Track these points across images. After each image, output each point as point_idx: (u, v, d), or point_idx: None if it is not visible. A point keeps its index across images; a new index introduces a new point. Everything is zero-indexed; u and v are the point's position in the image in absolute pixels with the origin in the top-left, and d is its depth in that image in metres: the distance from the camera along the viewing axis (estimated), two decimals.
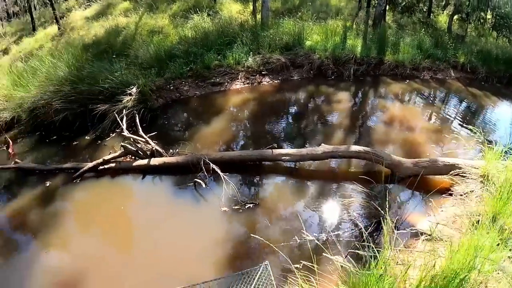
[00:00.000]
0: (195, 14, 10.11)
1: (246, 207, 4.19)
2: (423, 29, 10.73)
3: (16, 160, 5.83)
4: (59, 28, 12.04)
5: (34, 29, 13.14)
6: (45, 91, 6.65)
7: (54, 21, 12.56)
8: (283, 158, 4.84)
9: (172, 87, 7.29)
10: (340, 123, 6.12)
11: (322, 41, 8.75)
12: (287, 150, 4.96)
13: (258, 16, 10.05)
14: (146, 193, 4.84)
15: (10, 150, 6.35)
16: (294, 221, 3.97)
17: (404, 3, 13.45)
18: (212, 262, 3.51)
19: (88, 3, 14.15)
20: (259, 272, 2.88)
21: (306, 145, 5.37)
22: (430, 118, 6.57)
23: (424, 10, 13.44)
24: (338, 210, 4.15)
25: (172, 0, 12.83)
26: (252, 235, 3.64)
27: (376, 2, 11.00)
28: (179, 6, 12.01)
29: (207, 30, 9.07)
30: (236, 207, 4.19)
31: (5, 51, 12.41)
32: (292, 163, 4.94)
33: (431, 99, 7.59)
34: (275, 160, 4.91)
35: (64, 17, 13.20)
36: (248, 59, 8.17)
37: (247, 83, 7.90)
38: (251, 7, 11.22)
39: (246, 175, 4.86)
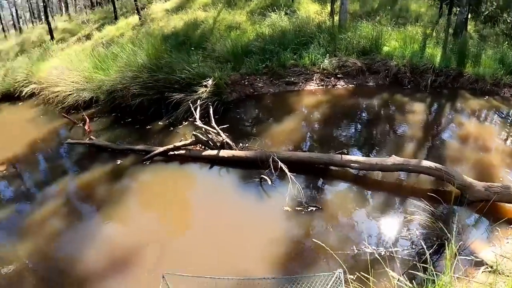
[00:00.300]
0: (272, 12, 10.29)
1: (309, 209, 4.18)
2: (506, 42, 9.95)
3: (91, 137, 6.36)
4: (139, 18, 12.93)
5: (116, 18, 14.24)
6: (124, 76, 7.16)
7: (135, 11, 13.49)
8: (351, 165, 4.74)
9: (246, 83, 7.47)
10: (412, 135, 5.87)
11: (400, 48, 8.48)
12: (357, 157, 4.84)
13: (336, 18, 9.99)
14: (211, 182, 5.05)
15: (86, 127, 6.95)
16: (354, 230, 3.94)
17: (487, 12, 12.59)
18: (265, 259, 3.57)
19: None
20: (332, 279, 2.81)
21: (376, 154, 5.23)
22: (507, 140, 6.07)
23: (509, 21, 12.47)
24: (399, 225, 4.01)
25: None
26: (310, 238, 3.68)
27: (458, 9, 10.42)
28: (257, 4, 12.30)
29: (284, 28, 9.20)
30: (298, 208, 4.21)
31: (88, 37, 13.56)
32: (359, 171, 4.81)
33: (511, 119, 7.02)
34: (343, 166, 4.83)
35: (145, 8, 14.13)
36: (324, 60, 8.15)
37: (321, 85, 7.87)
38: (329, 8, 11.18)
39: (312, 178, 4.87)
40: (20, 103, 11.06)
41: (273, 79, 7.91)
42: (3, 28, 25.36)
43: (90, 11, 18.70)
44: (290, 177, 4.52)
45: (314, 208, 4.20)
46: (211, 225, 4.16)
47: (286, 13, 10.43)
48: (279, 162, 4.73)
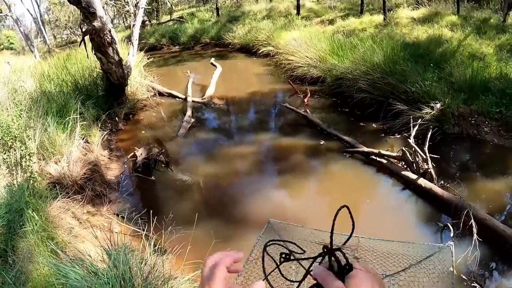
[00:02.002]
0: None
1: (472, 284, 3.64)
2: None
3: (307, 110, 6.87)
4: (384, 19, 13.02)
5: (361, 12, 14.66)
6: (356, 68, 7.42)
7: (382, 11, 13.57)
8: None
9: (473, 121, 6.86)
10: None
11: None
12: None
13: None
14: (396, 203, 4.97)
15: (305, 100, 7.57)
16: None
17: None
18: None
19: (416, 5, 14.58)
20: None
21: None
22: None
23: None
24: None
25: (502, 30, 11.78)
26: None
27: None
28: (508, 39, 10.90)
29: None
30: (463, 276, 3.71)
31: (331, 22, 14.40)
32: None
33: None
34: None
35: (392, 11, 14.08)
36: None
37: None
38: None
39: (494, 254, 4.18)
40: (254, 58, 12.67)
41: (502, 129, 7.04)
42: None
43: None
44: (476, 241, 4.00)
45: (478, 286, 3.74)
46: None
47: None
48: (472, 220, 4.29)
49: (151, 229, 3.29)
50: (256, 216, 4.39)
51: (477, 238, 4.03)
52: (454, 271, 2.81)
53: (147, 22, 21.43)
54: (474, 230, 4.12)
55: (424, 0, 15.08)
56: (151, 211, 4.40)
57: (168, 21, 21.78)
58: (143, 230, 3.32)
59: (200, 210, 4.50)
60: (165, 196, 5.09)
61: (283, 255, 0.74)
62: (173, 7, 23.30)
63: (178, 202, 4.77)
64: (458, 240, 4.25)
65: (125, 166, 5.70)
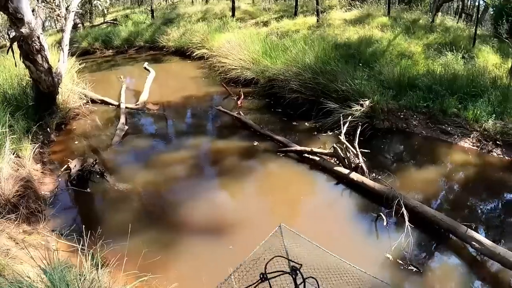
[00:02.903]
0: (449, 52, 9.65)
1: (409, 267, 3.89)
2: None
3: (240, 112, 6.88)
4: (317, 20, 13.44)
5: (295, 14, 15.03)
6: (288, 70, 7.58)
7: (315, 13, 13.99)
8: (472, 243, 4.19)
9: (402, 116, 7.23)
10: None
11: None
12: (482, 238, 4.24)
13: None
14: (330, 197, 5.13)
15: (239, 102, 7.58)
16: None
17: None
18: None
19: (349, 7, 15.18)
20: None
21: (504, 245, 4.55)
22: None
23: None
24: None
25: (430, 30, 12.61)
26: None
27: None
28: (436, 38, 11.73)
29: (457, 73, 8.57)
30: (400, 261, 3.95)
31: (265, 24, 14.61)
32: (478, 253, 4.26)
33: None
34: (463, 241, 4.30)
35: (325, 13, 14.55)
36: (488, 121, 7.38)
37: (476, 146, 7.12)
38: (510, 64, 10.01)
39: (428, 238, 4.49)
40: (189, 61, 12.53)
41: (430, 122, 7.47)
42: None
43: (273, 1, 19.94)
44: (408, 228, 4.24)
45: (414, 269, 3.92)
46: (308, 235, 4.18)
47: (463, 57, 9.71)
48: (403, 208, 4.50)
49: (86, 244, 3.19)
50: (195, 220, 4.40)
51: (409, 225, 4.26)
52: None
53: (79, 25, 20.49)
54: (406, 217, 4.35)
55: (356, 2, 15.74)
56: (87, 225, 4.24)
57: (101, 23, 20.97)
58: (80, 245, 3.17)
59: (137, 219, 4.45)
60: (102, 207, 4.95)
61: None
62: (105, 10, 22.46)
63: (115, 213, 4.65)
64: (391, 228, 4.46)
65: (60, 179, 5.41)
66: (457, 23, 15.06)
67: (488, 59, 10.63)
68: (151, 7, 20.27)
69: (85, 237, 3.25)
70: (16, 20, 5.78)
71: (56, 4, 12.93)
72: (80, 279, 2.74)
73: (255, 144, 6.10)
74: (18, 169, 5.04)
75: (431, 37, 11.94)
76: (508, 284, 3.95)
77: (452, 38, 11.63)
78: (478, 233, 4.42)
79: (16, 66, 6.69)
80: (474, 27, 12.27)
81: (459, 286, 3.88)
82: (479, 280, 3.98)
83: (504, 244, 4.52)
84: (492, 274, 4.07)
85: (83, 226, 4.29)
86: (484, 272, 4.10)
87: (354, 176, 5.23)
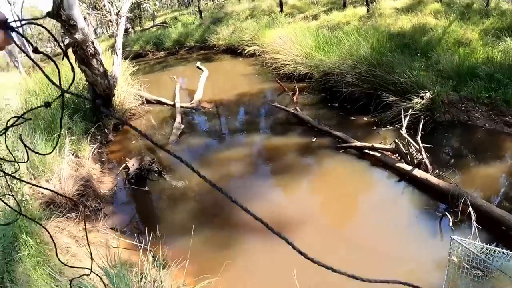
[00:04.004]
0: (508, 37, 9.07)
1: (474, 272, 3.67)
2: None
3: (296, 107, 6.88)
4: (368, 11, 13.08)
5: (344, 5, 14.72)
6: (343, 63, 7.45)
7: (365, 3, 13.62)
8: None
9: (463, 108, 6.92)
10: None
11: None
12: None
13: None
14: (392, 195, 4.97)
15: (294, 98, 7.60)
16: None
17: None
18: None
19: None
20: None
21: None
22: None
23: None
24: None
25: (485, 14, 11.90)
26: None
27: None
28: (492, 23, 11.03)
29: None
30: (466, 265, 3.74)
31: (315, 17, 14.42)
32: None
33: None
34: None
35: (375, 2, 14.13)
36: None
37: None
38: None
39: (496, 240, 4.17)
40: (240, 59, 12.65)
41: (493, 113, 7.09)
42: None
43: None
44: (475, 229, 4.02)
45: (480, 273, 3.76)
46: (369, 233, 4.18)
47: None
48: (470, 207, 4.30)
49: (148, 242, 3.26)
50: (254, 220, 4.36)
51: (476, 225, 4.04)
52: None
53: (130, 30, 21.31)
54: (473, 217, 4.13)
55: None
56: (147, 223, 4.42)
57: (151, 27, 21.69)
58: (141, 243, 3.27)
59: (197, 218, 4.49)
60: (161, 206, 5.06)
61: None
62: (155, 13, 23.17)
63: (174, 211, 4.75)
64: (457, 228, 4.27)
65: (118, 178, 5.65)
66: None
67: None
68: (199, 8, 20.64)
69: (147, 234, 3.33)
70: (69, 27, 6.01)
71: (107, 10, 13.50)
72: (141, 280, 2.75)
73: (313, 140, 6.07)
74: (77, 169, 5.30)
75: (487, 22, 11.27)
76: None
77: (509, 22, 10.88)
78: None
79: (72, 71, 7.05)
80: None
81: None
82: None
83: None
84: None
85: (144, 224, 4.46)
86: None
87: (417, 172, 5.05)
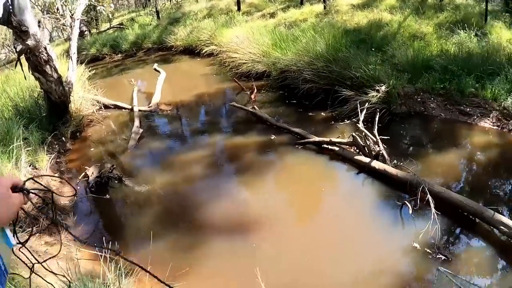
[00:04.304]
0: (462, 30, 9.39)
1: (437, 256, 3.75)
2: None
3: (254, 106, 6.79)
4: (324, 8, 13.22)
5: (301, 3, 14.82)
6: (300, 60, 7.45)
7: (322, 0, 13.73)
8: (500, 227, 4.02)
9: (419, 99, 7.05)
10: None
11: None
12: (510, 221, 4.09)
13: None
14: (352, 187, 5.04)
15: (252, 96, 7.51)
16: None
17: None
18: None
19: None
20: None
21: None
22: None
23: None
24: None
25: (440, 9, 12.31)
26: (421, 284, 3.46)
27: None
28: (447, 17, 11.44)
29: (472, 51, 8.33)
30: (428, 250, 3.81)
31: (272, 15, 14.42)
32: (507, 238, 4.10)
33: None
34: (491, 225, 4.14)
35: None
36: (507, 99, 7.14)
37: (497, 126, 6.90)
38: None
39: (455, 225, 4.36)
40: (198, 59, 12.47)
41: (448, 103, 7.28)
42: None
43: None
44: (434, 215, 4.08)
45: (443, 257, 3.78)
46: (332, 226, 4.23)
47: (476, 34, 9.45)
48: (428, 195, 4.36)
49: (109, 252, 3.16)
50: (217, 219, 4.35)
51: (435, 212, 4.11)
52: None
53: (86, 32, 20.60)
54: (432, 204, 4.20)
55: None
56: (110, 232, 4.34)
57: (108, 29, 21.06)
58: (104, 252, 3.17)
59: (159, 222, 4.40)
60: (123, 213, 4.93)
61: None
62: (110, 15, 22.52)
63: (136, 217, 4.62)
64: (417, 215, 4.33)
65: (78, 187, 5.40)
66: (467, 0, 14.70)
67: (502, 35, 10.31)
68: (156, 8, 20.25)
69: (107, 244, 3.28)
70: (21, 33, 5.74)
71: (61, 13, 12.99)
72: None
73: (272, 138, 6.02)
74: (35, 182, 5.04)
75: (441, 16, 11.65)
76: None
77: (463, 16, 11.31)
78: (504, 216, 4.29)
79: (25, 79, 6.71)
80: (485, 3, 11.92)
81: (489, 271, 3.75)
82: (508, 265, 3.83)
83: None
84: None
85: (107, 233, 4.34)
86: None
87: (376, 164, 5.09)
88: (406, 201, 4.39)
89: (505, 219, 4.07)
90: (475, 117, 7.02)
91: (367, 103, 6.11)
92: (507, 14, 11.96)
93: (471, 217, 4.30)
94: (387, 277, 3.55)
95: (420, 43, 9.14)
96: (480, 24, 10.59)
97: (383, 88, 6.44)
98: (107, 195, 5.10)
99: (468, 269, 3.77)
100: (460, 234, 4.34)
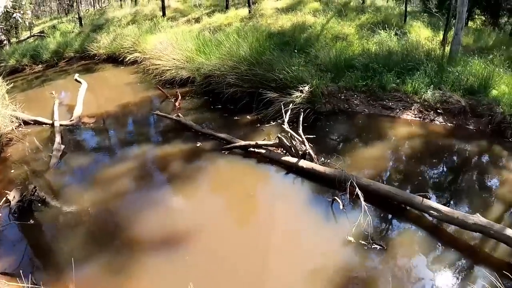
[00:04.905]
0: (382, 30, 9.97)
1: (372, 246, 3.91)
2: None
3: (179, 114, 6.66)
4: (249, 12, 13.37)
5: (227, 7, 14.88)
6: (223, 64, 7.42)
7: (247, 4, 13.92)
8: (430, 212, 4.30)
9: (343, 97, 7.31)
10: (504, 196, 5.19)
11: (510, 95, 7.57)
12: (438, 205, 4.36)
13: (447, 48, 9.35)
14: (282, 188, 5.05)
15: (176, 104, 7.34)
16: (410, 279, 3.61)
17: None
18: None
19: None
20: None
21: (458, 207, 4.70)
22: None
23: None
24: None
25: (361, 11, 12.98)
26: (363, 275, 3.57)
27: None
28: (368, 18, 12.12)
29: (392, 49, 8.87)
30: (362, 242, 3.95)
31: (197, 20, 14.32)
32: (436, 220, 4.37)
33: None
34: (421, 211, 4.42)
35: (256, 3, 14.53)
36: (427, 91, 7.65)
37: (419, 117, 7.40)
38: (441, 36, 10.53)
39: (386, 214, 4.56)
40: (122, 67, 12.02)
41: (371, 99, 7.64)
42: None
43: None
44: (364, 207, 4.25)
45: (378, 247, 3.92)
46: (266, 230, 4.22)
47: (396, 34, 10.07)
48: (357, 188, 4.50)
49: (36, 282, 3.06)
50: (150, 233, 4.17)
51: (365, 204, 4.26)
52: None
53: (5, 42, 19.07)
54: (361, 197, 4.36)
55: None
56: (39, 259, 4.02)
57: (28, 37, 19.71)
58: (33, 283, 3.06)
59: (90, 242, 4.14)
60: (50, 237, 4.51)
61: None
62: (27, 23, 21.08)
63: (64, 240, 4.25)
64: (348, 210, 4.45)
65: (1, 215, 4.87)
66: (387, 2, 15.64)
67: (420, 33, 11.09)
68: (79, 14, 19.28)
69: (31, 276, 3.08)
70: None
71: None
72: None
73: (198, 145, 5.90)
74: None
75: (363, 17, 12.28)
76: (467, 243, 4.07)
77: (383, 17, 12.03)
78: (433, 201, 4.53)
79: None
80: (404, 4, 12.76)
81: (424, 254, 3.93)
82: (440, 245, 4.06)
83: (459, 207, 4.67)
84: (451, 236, 4.17)
85: (36, 261, 4.00)
86: (443, 236, 4.20)
87: (303, 163, 5.17)
88: (336, 197, 4.51)
89: (434, 204, 4.34)
90: (398, 110, 7.42)
91: (291, 104, 6.20)
92: (425, 14, 12.92)
93: (401, 205, 4.52)
94: (324, 274, 3.58)
95: (342, 44, 9.52)
96: (400, 24, 11.32)
97: (306, 88, 6.57)
98: (31, 221, 4.65)
99: (404, 253, 3.93)
100: (392, 222, 4.52)
